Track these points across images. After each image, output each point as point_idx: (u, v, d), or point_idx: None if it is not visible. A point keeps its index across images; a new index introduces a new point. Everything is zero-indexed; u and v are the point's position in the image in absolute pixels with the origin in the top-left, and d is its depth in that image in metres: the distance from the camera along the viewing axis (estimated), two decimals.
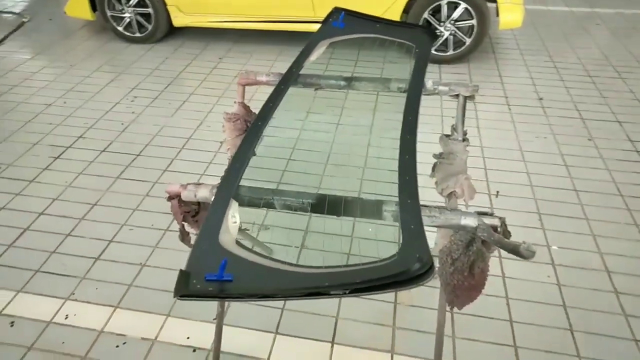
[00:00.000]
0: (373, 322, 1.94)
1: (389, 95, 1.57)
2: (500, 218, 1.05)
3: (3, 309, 1.98)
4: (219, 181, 1.12)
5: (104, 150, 2.98)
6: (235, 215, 1.00)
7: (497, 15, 3.83)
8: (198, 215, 1.25)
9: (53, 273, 2.14)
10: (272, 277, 0.83)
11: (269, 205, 1.09)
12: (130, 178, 2.74)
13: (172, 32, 4.53)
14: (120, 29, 4.41)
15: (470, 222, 1.03)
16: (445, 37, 3.93)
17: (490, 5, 3.84)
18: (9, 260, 2.20)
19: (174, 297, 0.74)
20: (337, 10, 1.86)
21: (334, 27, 1.81)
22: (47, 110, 3.41)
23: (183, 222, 1.24)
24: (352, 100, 3.44)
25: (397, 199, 1.05)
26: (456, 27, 3.90)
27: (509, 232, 1.08)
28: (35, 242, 2.30)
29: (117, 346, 1.85)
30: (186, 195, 1.14)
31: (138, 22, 4.36)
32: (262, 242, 2.16)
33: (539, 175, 2.73)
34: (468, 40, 3.93)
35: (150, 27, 4.34)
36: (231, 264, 0.85)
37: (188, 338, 1.88)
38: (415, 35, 1.75)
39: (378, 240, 2.27)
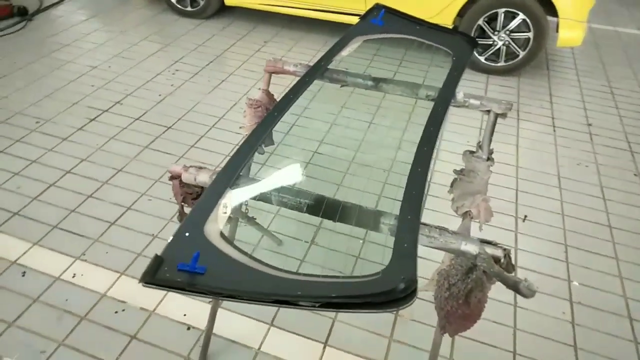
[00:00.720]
0: (370, 330, 1.89)
1: (425, 100, 1.51)
2: (504, 249, 0.98)
3: (18, 258, 2.06)
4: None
5: (137, 119, 3.04)
6: (227, 206, 0.98)
7: (557, 30, 3.63)
8: (199, 199, 1.23)
9: (69, 231, 2.20)
10: (246, 277, 0.80)
11: (266, 200, 1.06)
12: (158, 149, 2.78)
13: (223, 10, 4.56)
14: (173, 1, 4.47)
15: (471, 248, 0.97)
16: (498, 46, 3.77)
17: (551, 19, 3.64)
18: (31, 212, 2.28)
19: (139, 282, 0.72)
20: (377, 7, 1.80)
21: (372, 23, 1.75)
22: (91, 72, 3.50)
23: (183, 204, 1.23)
24: (387, 100, 3.36)
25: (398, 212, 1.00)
26: (511, 38, 3.73)
27: (513, 266, 1.00)
28: (58, 198, 2.37)
29: (116, 312, 1.88)
30: (186, 178, 1.13)
31: None
32: (270, 232, 2.14)
33: (572, 205, 2.58)
34: (522, 53, 3.75)
35: (202, 2, 4.38)
36: (209, 256, 0.82)
37: (185, 315, 1.89)
38: (455, 42, 1.67)
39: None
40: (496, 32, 3.74)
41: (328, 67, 1.58)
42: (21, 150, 2.68)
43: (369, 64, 3.89)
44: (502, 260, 0.98)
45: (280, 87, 1.78)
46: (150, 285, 0.72)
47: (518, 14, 3.61)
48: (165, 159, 2.70)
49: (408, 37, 1.70)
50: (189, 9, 4.47)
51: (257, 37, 4.25)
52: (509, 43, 3.75)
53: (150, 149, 2.77)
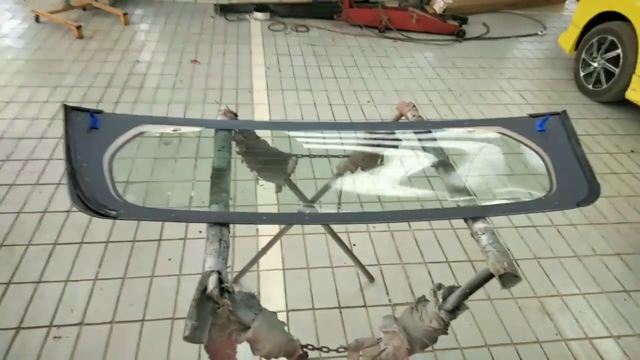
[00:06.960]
0: None
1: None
2: (222, 287, 0.92)
3: None
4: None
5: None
6: (178, 130, 1.34)
7: None
8: None
9: None
10: (92, 150, 1.16)
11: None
12: None
13: (622, 103, 3.90)
14: (581, 73, 4.20)
15: (207, 265, 0.97)
16: None
17: None
18: None
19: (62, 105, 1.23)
20: (558, 114, 1.46)
21: (533, 124, 1.46)
22: (393, 86, 3.99)
23: None
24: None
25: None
26: None
27: (228, 315, 0.94)
28: None
29: None
30: (217, 114, 1.53)
31: (597, 76, 4.02)
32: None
33: None
34: None
35: (604, 86, 3.94)
36: (111, 129, 1.24)
37: None
38: (574, 186, 1.21)
39: None
40: None
41: (431, 130, 1.52)
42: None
43: (468, 146, 2.80)
44: (220, 303, 0.94)
45: None
46: (64, 110, 1.21)
47: None
48: None
49: (541, 154, 1.35)
50: (589, 86, 4.11)
51: (622, 142, 3.54)
52: None
53: None
